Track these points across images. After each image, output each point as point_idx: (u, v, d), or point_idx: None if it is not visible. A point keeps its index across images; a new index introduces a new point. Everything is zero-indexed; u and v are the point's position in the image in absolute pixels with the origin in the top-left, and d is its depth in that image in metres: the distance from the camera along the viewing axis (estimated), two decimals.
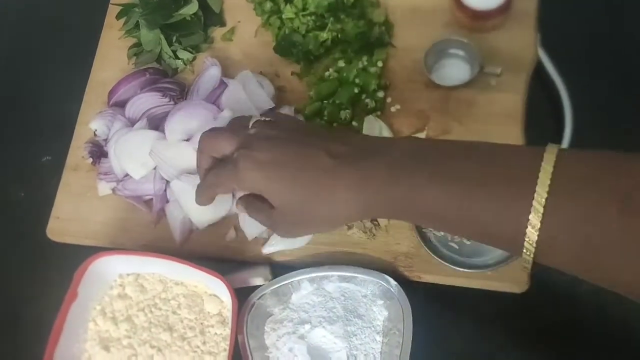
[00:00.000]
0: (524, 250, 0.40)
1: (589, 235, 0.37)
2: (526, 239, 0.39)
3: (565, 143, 0.65)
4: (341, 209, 0.48)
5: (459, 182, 0.42)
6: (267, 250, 0.66)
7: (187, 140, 0.67)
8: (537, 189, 0.38)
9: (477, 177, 0.42)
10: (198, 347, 0.62)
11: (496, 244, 0.44)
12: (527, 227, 0.38)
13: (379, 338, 0.59)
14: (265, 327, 0.61)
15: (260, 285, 0.63)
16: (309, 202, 0.49)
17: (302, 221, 0.51)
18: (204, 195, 0.58)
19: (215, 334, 0.62)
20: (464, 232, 0.46)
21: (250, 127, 0.55)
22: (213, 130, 0.57)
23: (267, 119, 0.56)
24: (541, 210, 0.38)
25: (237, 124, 0.57)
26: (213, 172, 0.55)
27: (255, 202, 0.54)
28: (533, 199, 0.38)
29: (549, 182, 0.38)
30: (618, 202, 0.37)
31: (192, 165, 0.67)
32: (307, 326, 0.60)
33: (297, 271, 0.62)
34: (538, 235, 0.38)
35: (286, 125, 0.54)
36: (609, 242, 0.37)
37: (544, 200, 0.38)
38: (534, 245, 0.39)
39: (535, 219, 0.38)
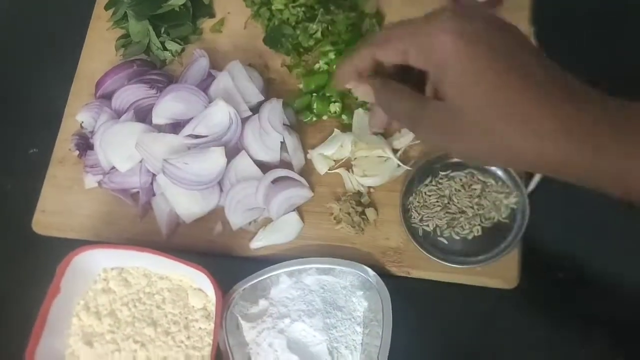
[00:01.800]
0: None
1: None
2: None
3: None
4: (534, 140, 0.37)
5: None
6: (254, 245, 0.66)
7: (173, 124, 0.66)
8: None
9: None
10: (182, 341, 0.61)
11: None
12: None
13: (359, 329, 0.59)
14: (245, 324, 0.60)
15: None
16: (502, 110, 0.37)
17: (472, 131, 0.39)
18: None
19: (200, 328, 0.61)
20: None
21: None
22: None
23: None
24: None
25: None
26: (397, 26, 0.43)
27: (395, 85, 0.42)
28: None
29: None
30: None
31: None
32: (287, 320, 0.59)
33: (274, 265, 0.62)
34: None
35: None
36: None
37: None
38: None
39: None
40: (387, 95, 0.43)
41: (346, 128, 0.68)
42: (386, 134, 0.66)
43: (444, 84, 0.39)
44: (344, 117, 0.68)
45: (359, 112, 0.67)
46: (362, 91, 0.45)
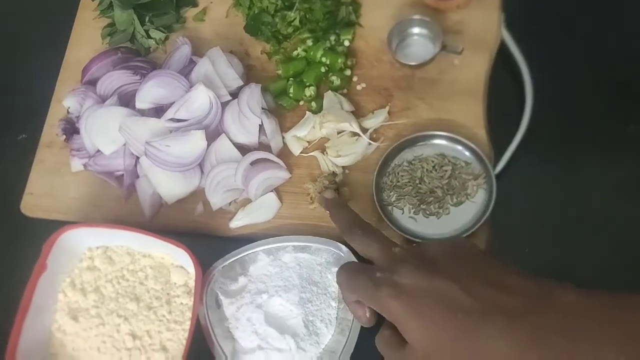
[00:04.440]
0: None
1: None
2: None
3: (524, 121, 0.66)
4: None
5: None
6: (234, 224, 0.68)
7: (156, 108, 0.68)
8: None
9: None
10: (164, 316, 0.63)
11: None
12: None
13: (334, 304, 0.61)
14: (225, 299, 0.62)
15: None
16: (452, 351, 0.43)
17: None
18: (348, 299, 0.55)
19: (181, 303, 0.64)
20: None
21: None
22: (351, 268, 0.54)
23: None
24: None
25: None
26: (354, 278, 0.52)
27: (387, 336, 0.49)
28: None
29: None
30: None
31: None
32: (265, 296, 0.61)
33: (253, 243, 0.64)
34: None
35: (438, 253, 0.50)
36: None
37: None
38: None
39: None
40: (381, 346, 0.50)
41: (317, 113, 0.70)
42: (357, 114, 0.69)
43: (406, 334, 0.45)
44: (313, 104, 0.71)
45: (328, 94, 0.70)
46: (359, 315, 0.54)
